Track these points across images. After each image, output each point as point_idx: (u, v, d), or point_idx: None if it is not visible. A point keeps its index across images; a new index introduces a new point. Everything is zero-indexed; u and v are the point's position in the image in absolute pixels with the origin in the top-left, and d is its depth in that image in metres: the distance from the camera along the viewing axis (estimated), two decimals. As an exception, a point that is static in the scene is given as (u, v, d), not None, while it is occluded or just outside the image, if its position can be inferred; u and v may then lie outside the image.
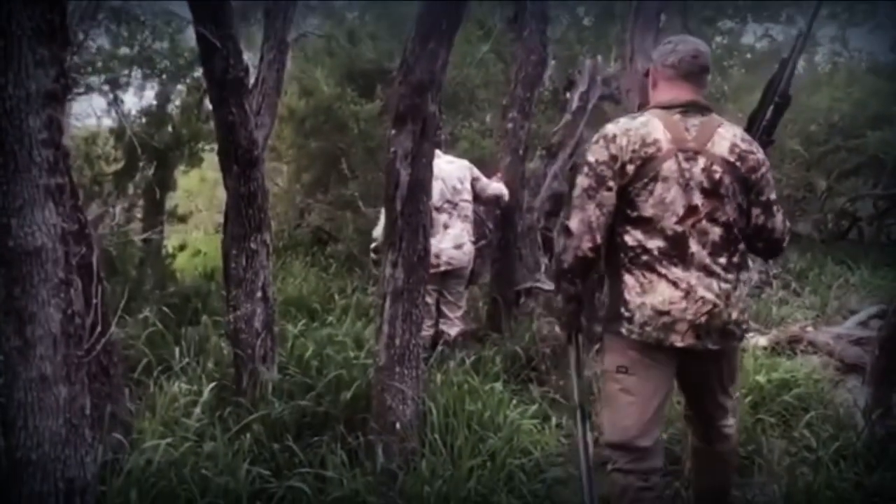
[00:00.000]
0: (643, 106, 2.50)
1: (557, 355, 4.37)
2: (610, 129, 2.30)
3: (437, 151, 4.84)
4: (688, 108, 2.30)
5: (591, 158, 2.29)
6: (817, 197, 8.51)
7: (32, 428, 1.90)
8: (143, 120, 5.77)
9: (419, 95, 2.99)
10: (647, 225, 2.23)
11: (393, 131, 3.06)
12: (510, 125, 5.02)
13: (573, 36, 6.82)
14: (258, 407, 3.15)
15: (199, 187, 11.87)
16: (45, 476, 1.92)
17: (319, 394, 3.33)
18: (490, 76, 7.34)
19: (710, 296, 2.21)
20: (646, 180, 2.22)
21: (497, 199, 4.76)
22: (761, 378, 3.72)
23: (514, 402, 3.59)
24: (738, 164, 2.27)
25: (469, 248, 4.49)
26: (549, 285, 5.12)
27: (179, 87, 6.48)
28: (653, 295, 2.21)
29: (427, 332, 4.13)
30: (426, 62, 2.99)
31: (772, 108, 2.68)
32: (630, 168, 2.23)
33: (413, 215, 3.11)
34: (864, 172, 8.75)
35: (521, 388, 4.12)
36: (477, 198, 4.63)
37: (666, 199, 2.21)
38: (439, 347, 4.07)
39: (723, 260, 2.24)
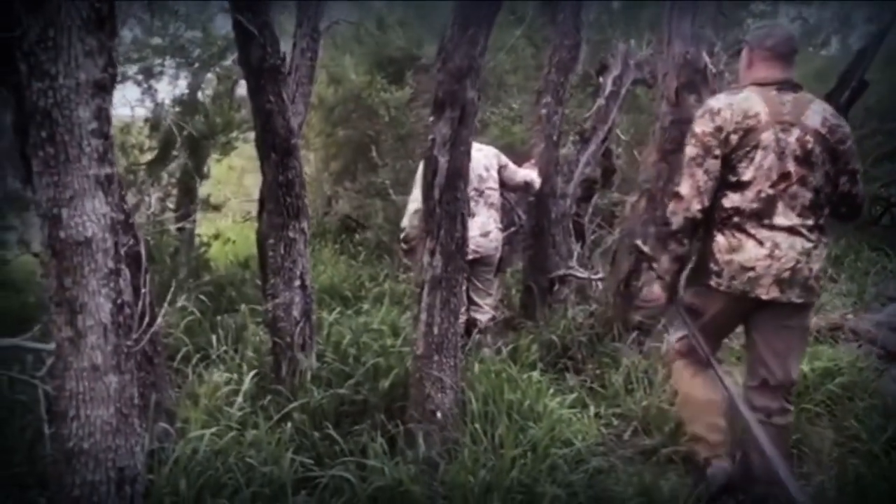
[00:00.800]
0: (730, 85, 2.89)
1: (594, 343, 4.34)
2: (713, 103, 2.59)
3: None
4: (783, 85, 2.58)
5: (697, 129, 2.58)
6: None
7: (84, 418, 1.91)
8: (177, 109, 5.78)
9: (458, 82, 2.95)
10: (745, 189, 2.53)
11: (432, 118, 3.03)
12: (544, 111, 4.96)
13: (605, 19, 6.70)
14: (298, 395, 3.16)
15: (227, 175, 11.94)
16: (98, 465, 1.93)
17: (358, 382, 3.33)
18: (520, 61, 7.26)
19: (793, 253, 2.50)
20: (747, 149, 2.51)
21: (527, 186, 4.69)
22: (805, 367, 3.64)
23: (552, 391, 3.56)
24: (828, 135, 2.54)
25: (496, 235, 4.43)
26: (583, 272, 5.08)
27: (209, 75, 6.50)
28: (740, 253, 2.52)
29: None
30: (465, 48, 2.94)
31: (849, 92, 3.24)
32: (734, 138, 2.52)
33: (451, 203, 3.08)
34: (900, 156, 8.53)
35: (557, 376, 4.09)
36: (505, 185, 4.56)
37: (764, 166, 2.51)
38: (475, 336, 4.03)
39: (809, 221, 2.53)
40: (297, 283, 3.35)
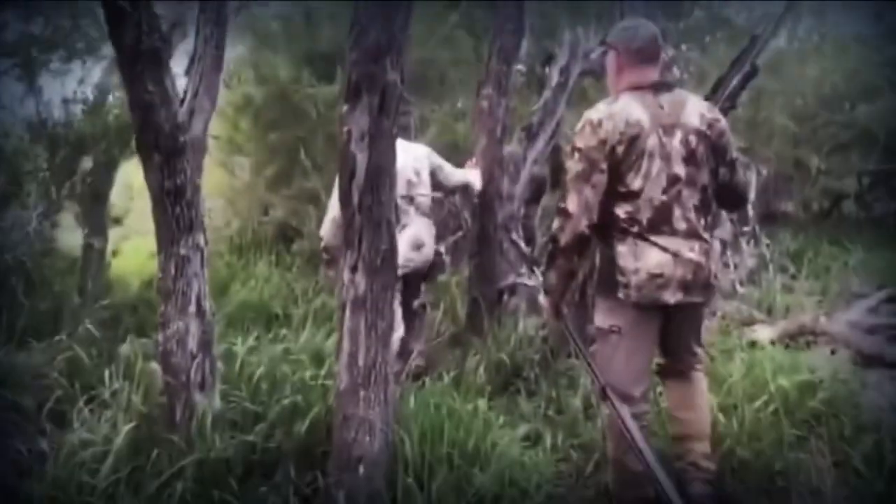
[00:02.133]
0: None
1: (548, 361, 3.88)
2: (593, 115, 2.48)
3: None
4: (658, 87, 2.53)
5: (580, 144, 2.47)
6: (809, 175, 8.06)
7: None
8: (82, 108, 5.14)
9: (375, 62, 2.45)
10: (636, 198, 2.45)
11: (345, 107, 2.52)
12: (485, 103, 4.48)
13: (550, 5, 6.28)
14: (195, 446, 2.60)
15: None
16: None
17: (272, 423, 2.79)
18: (460, 53, 6.79)
19: (694, 256, 2.46)
20: (633, 158, 2.43)
21: (465, 188, 4.25)
22: (784, 381, 3.23)
23: (502, 421, 3.09)
24: (707, 131, 2.52)
25: (430, 248, 3.97)
26: (533, 281, 4.61)
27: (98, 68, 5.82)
28: (645, 260, 2.44)
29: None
30: (382, 21, 2.44)
31: (740, 76, 3.04)
32: (619, 149, 2.43)
33: (374, 207, 2.57)
34: (856, 147, 8.31)
35: (508, 401, 3.62)
36: (440, 188, 4.10)
37: (652, 173, 2.44)
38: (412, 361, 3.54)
39: (702, 222, 2.51)
40: (193, 308, 2.79)
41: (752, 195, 5.29)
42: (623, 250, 2.47)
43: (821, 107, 8.24)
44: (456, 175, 4.14)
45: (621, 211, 2.46)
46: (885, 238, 7.64)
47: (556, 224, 2.52)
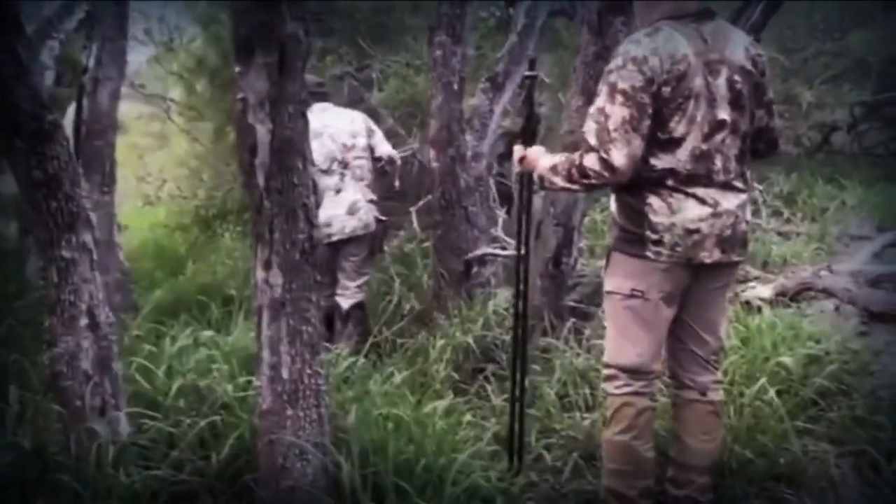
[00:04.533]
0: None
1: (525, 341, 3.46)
2: (636, 50, 2.11)
3: (326, 104, 3.98)
4: (700, 15, 2.19)
5: (624, 85, 2.09)
6: (800, 111, 7.56)
7: None
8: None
9: (268, 9, 1.96)
10: (677, 146, 2.14)
11: (237, 68, 2.03)
12: (438, 52, 3.97)
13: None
14: (94, 484, 2.19)
15: (127, 156, 10.66)
16: None
17: (190, 448, 2.38)
18: (420, -1, 6.24)
19: (732, 208, 2.18)
20: (680, 100, 2.12)
21: (388, 162, 4.05)
22: (786, 358, 2.83)
23: (467, 421, 2.69)
24: (752, 69, 2.21)
25: (367, 211, 3.89)
26: (505, 250, 4.18)
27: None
28: (682, 214, 2.14)
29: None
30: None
31: (762, 5, 2.69)
32: (666, 90, 2.10)
33: (286, 191, 2.11)
34: (848, 78, 7.80)
35: (477, 391, 3.22)
36: (370, 153, 4.00)
37: (697, 118, 2.13)
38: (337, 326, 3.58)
39: (739, 170, 2.22)
40: (85, 321, 2.34)
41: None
42: (656, 203, 2.16)
43: (811, 37, 7.71)
44: (381, 147, 4.04)
45: (659, 162, 2.14)
46: (881, 173, 7.22)
47: (595, 167, 2.11)
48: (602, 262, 2.40)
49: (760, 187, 5.58)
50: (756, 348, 2.97)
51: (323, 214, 3.40)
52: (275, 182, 2.09)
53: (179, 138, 10.60)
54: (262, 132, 2.05)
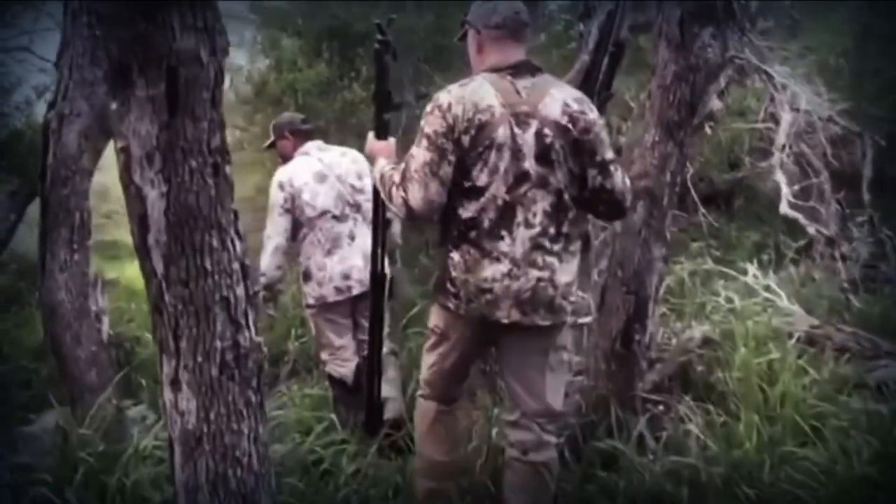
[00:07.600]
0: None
1: (577, 441, 2.69)
2: (443, 97, 2.16)
3: (320, 142, 3.43)
4: (518, 69, 2.22)
5: (428, 130, 2.14)
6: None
7: None
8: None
9: (147, 16, 1.31)
10: (480, 195, 2.16)
11: (112, 106, 1.38)
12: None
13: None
14: None
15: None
16: None
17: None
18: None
19: (534, 270, 2.17)
20: (480, 149, 2.14)
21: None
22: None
23: None
24: (569, 126, 2.16)
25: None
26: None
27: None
28: (476, 272, 2.18)
29: (343, 368, 3.23)
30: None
31: (607, 58, 2.52)
32: (465, 138, 2.13)
33: (194, 282, 1.44)
34: None
35: None
36: None
37: (499, 168, 2.15)
38: None
39: (552, 230, 2.19)
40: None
41: (867, 171, 3.98)
42: (456, 258, 2.21)
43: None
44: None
45: (464, 212, 2.17)
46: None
47: (396, 200, 2.18)
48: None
49: (889, 234, 4.40)
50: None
51: (340, 266, 3.20)
52: (176, 269, 1.43)
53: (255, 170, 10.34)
54: (154, 197, 1.40)
